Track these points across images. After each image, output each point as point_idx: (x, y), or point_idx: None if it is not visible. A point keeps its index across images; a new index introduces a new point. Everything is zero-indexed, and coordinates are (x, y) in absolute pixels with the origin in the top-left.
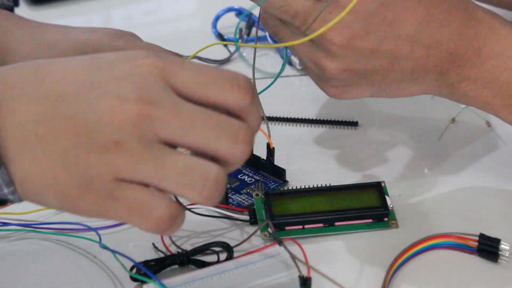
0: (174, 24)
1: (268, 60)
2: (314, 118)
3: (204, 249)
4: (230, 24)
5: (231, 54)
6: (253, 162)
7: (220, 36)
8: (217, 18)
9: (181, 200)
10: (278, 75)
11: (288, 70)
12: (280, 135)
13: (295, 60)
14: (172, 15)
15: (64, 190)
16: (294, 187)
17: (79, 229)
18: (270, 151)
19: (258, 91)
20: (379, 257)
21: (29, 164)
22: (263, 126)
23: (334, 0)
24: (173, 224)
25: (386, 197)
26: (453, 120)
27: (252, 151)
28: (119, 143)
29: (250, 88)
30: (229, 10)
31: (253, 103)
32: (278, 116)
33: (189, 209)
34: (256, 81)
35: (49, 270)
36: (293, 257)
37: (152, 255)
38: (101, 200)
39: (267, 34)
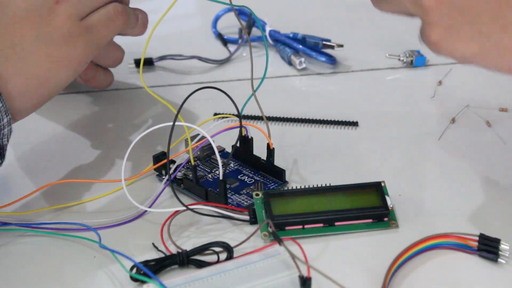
0: (174, 24)
1: (269, 60)
2: (314, 118)
3: (204, 249)
4: (230, 24)
5: (231, 54)
6: (253, 162)
7: (220, 36)
8: (217, 18)
9: (182, 200)
10: (265, 73)
11: (288, 70)
12: (280, 135)
13: (295, 60)
14: (172, 15)
15: (60, 58)
16: (294, 187)
17: (79, 229)
18: (270, 151)
19: (256, 90)
20: (379, 257)
21: (19, 70)
22: (263, 126)
23: None
24: (127, 11)
25: (386, 197)
26: (453, 120)
27: None
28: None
29: None
30: (229, 10)
31: None
32: (278, 116)
33: (190, 209)
34: (254, 81)
35: (49, 270)
36: (293, 257)
37: (152, 255)
38: (85, 36)
39: (267, 33)
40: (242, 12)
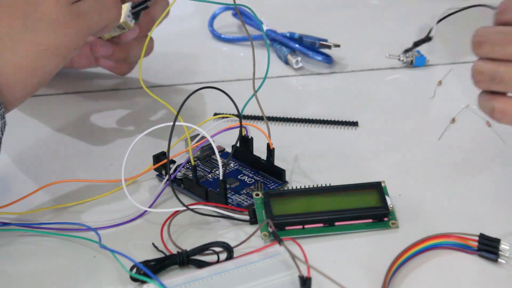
0: (174, 23)
1: (265, 60)
2: (314, 118)
3: (204, 249)
4: (227, 23)
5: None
6: (253, 162)
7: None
8: (213, 17)
9: (182, 200)
10: (266, 73)
11: (286, 70)
12: (280, 135)
13: (291, 59)
14: (172, 15)
15: (48, 46)
16: (294, 187)
17: (79, 229)
18: (270, 151)
19: (258, 90)
20: (379, 257)
21: (8, 61)
22: (263, 126)
23: None
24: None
25: (386, 197)
26: (453, 120)
27: None
28: None
29: None
30: (226, 9)
31: None
32: (278, 116)
33: (191, 209)
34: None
35: (49, 270)
36: (293, 257)
37: (152, 255)
38: (75, 22)
39: (263, 32)
40: (241, 12)
